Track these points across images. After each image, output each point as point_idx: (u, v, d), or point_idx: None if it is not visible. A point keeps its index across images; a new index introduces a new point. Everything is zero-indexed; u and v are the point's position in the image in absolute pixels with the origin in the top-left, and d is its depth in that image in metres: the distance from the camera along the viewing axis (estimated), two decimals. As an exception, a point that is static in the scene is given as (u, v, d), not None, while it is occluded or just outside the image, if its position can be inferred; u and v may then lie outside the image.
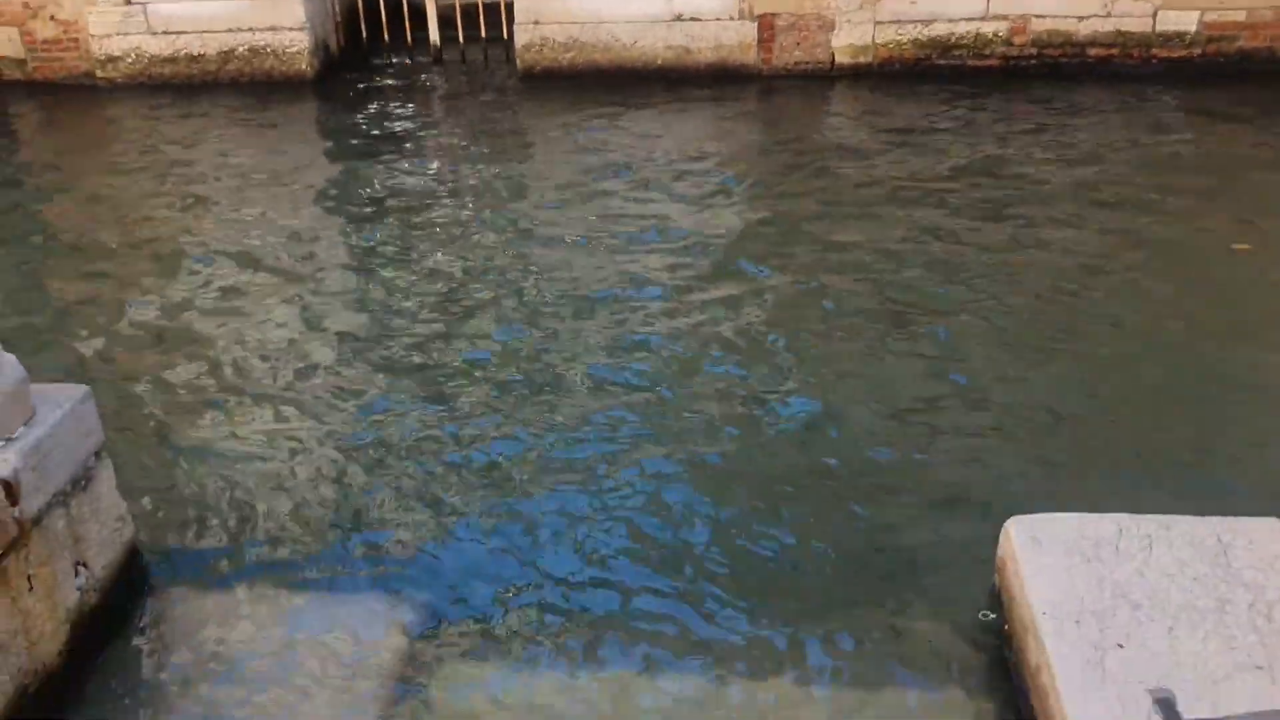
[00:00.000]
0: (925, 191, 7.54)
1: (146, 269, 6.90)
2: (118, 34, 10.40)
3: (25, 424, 3.53)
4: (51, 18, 10.44)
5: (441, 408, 5.29)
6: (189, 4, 10.30)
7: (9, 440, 3.45)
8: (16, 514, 3.37)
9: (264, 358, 5.78)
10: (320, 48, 10.58)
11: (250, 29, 10.31)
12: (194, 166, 8.61)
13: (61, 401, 3.67)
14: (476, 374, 5.57)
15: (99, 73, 10.54)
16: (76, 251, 7.28)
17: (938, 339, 5.71)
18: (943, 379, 5.37)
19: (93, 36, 10.43)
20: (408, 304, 6.32)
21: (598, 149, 8.65)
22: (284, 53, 10.35)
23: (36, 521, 3.48)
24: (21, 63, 10.64)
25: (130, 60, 10.47)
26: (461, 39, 10.96)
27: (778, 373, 5.50)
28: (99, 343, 6.03)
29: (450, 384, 5.50)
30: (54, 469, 3.56)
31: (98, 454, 3.82)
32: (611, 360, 5.66)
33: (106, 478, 3.88)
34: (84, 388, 3.79)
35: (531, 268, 6.70)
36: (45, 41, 10.55)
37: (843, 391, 5.31)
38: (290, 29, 10.29)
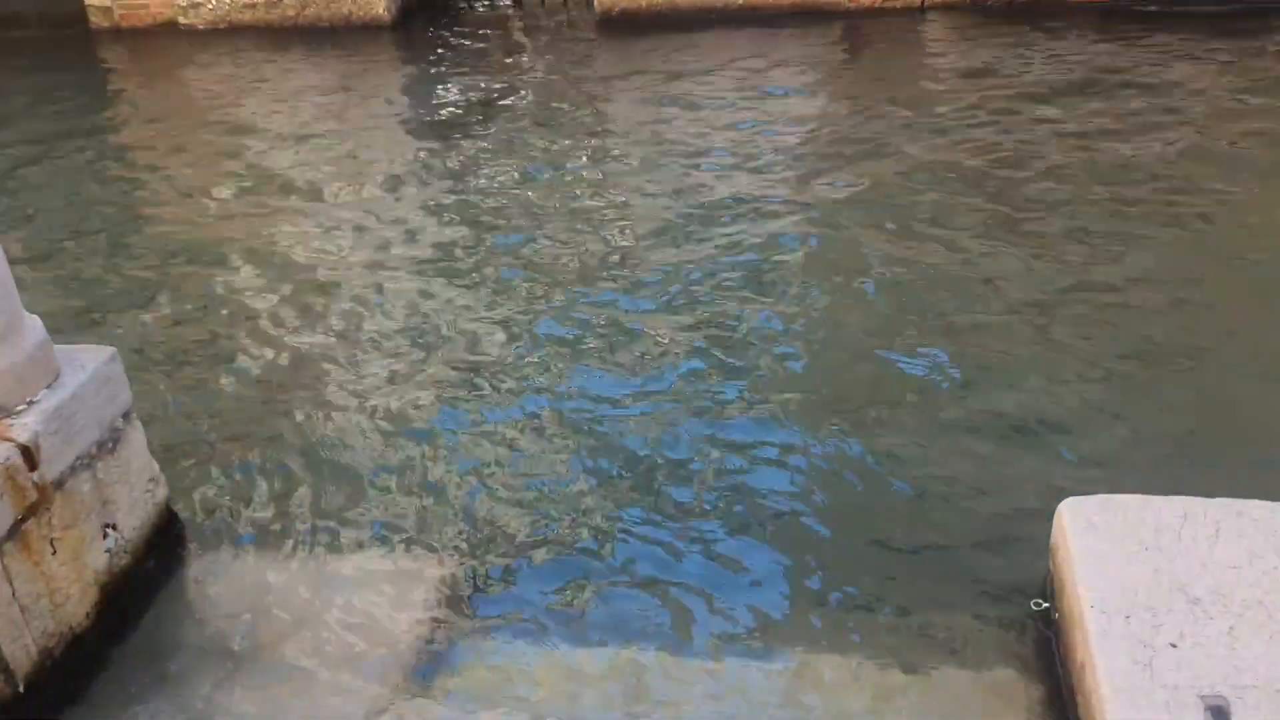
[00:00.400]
0: (1019, 138, 7.13)
1: (220, 212, 6.94)
2: (199, -20, 10.44)
3: (48, 387, 3.49)
4: (135, -35, 10.52)
5: (498, 365, 5.17)
6: (268, -52, 10.29)
7: (31, 404, 3.42)
8: (36, 479, 3.34)
9: (322, 310, 5.73)
10: (398, -10, 10.48)
11: (328, -27, 10.26)
12: (271, 110, 8.62)
13: (86, 363, 3.63)
14: (542, 327, 5.44)
15: (181, 19, 10.60)
16: (154, 195, 7.37)
17: (1021, 294, 5.41)
18: (1030, 332, 5.10)
19: (175, -17, 10.48)
20: (474, 256, 6.21)
21: (676, 91, 8.41)
22: (362, -3, 10.28)
23: (59, 485, 3.45)
24: (108, 10, 10.75)
25: (211, 6, 10.50)
26: (541, -20, 10.78)
27: (853, 318, 5.30)
28: (163, 286, 6.06)
29: (513, 338, 5.36)
30: (78, 432, 3.53)
31: (126, 415, 3.78)
32: (682, 306, 5.49)
33: (136, 439, 3.84)
34: (110, 349, 3.74)
35: (606, 219, 6.53)
36: (131, -12, 10.66)
37: (908, 339, 5.09)
38: (367, -28, 10.21)
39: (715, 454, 4.49)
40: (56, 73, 9.98)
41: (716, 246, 6.03)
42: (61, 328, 5.50)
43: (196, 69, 9.91)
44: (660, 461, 4.48)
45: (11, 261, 5.92)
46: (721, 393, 4.85)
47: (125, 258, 6.43)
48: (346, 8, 10.32)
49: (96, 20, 10.82)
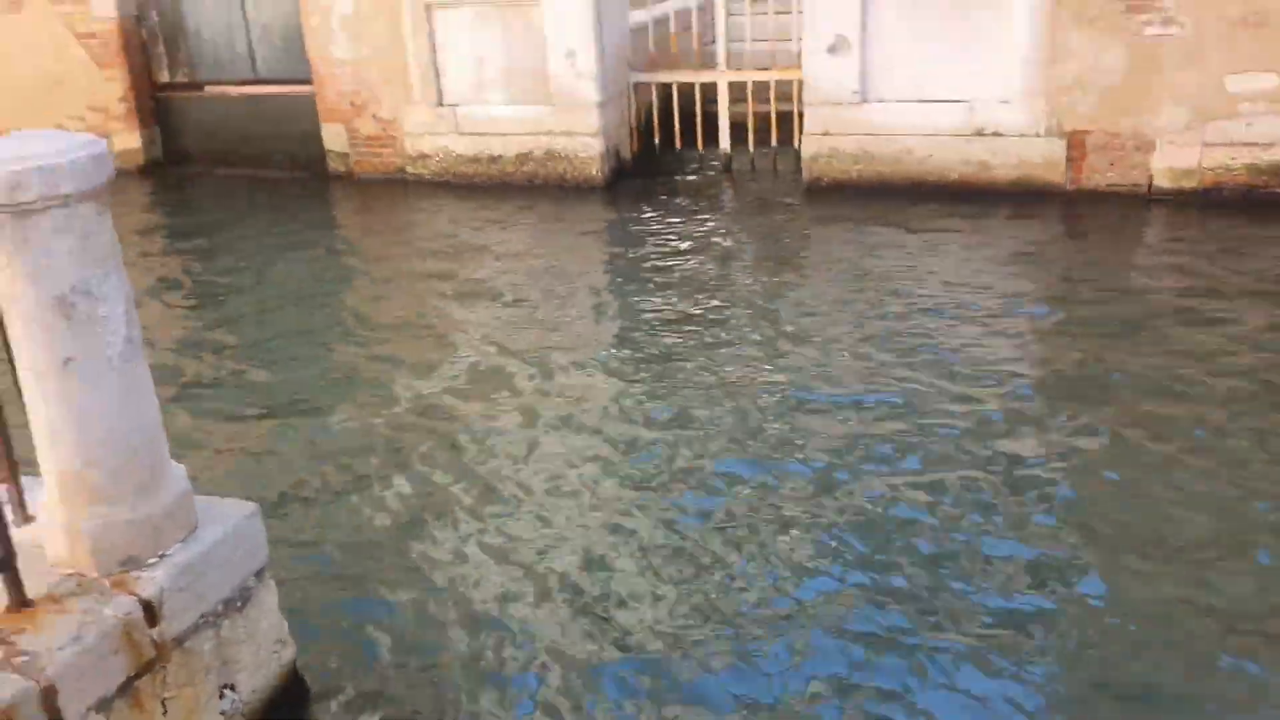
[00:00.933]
0: (1264, 354, 6.42)
1: (417, 354, 7.11)
2: (429, 133, 10.99)
3: (183, 540, 3.48)
4: (374, 116, 11.19)
5: (674, 551, 4.86)
6: (496, 107, 10.76)
7: (162, 557, 3.41)
8: (155, 635, 3.31)
9: (501, 468, 5.60)
10: (612, 154, 10.74)
11: (548, 133, 10.61)
12: (492, 262, 8.89)
13: (225, 518, 3.61)
14: (712, 512, 5.14)
15: (409, 169, 11.17)
16: (358, 328, 7.69)
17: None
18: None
19: (407, 135, 11.07)
20: (664, 419, 6.04)
21: (879, 268, 8.19)
22: (576, 158, 10.57)
23: (179, 643, 3.41)
24: (345, 157, 11.47)
25: (438, 159, 11.03)
26: (752, 147, 10.85)
27: (1060, 554, 4.71)
28: (339, 428, 6.15)
29: (683, 522, 5.08)
30: (206, 589, 3.49)
31: (259, 574, 3.73)
32: (853, 509, 5.11)
33: (267, 599, 3.79)
34: (252, 505, 3.73)
35: (790, 393, 6.27)
36: (368, 138, 11.34)
37: (1135, 598, 4.45)
38: (585, 135, 10.50)
39: (856, 698, 4.10)
40: (295, 214, 10.68)
41: (909, 460, 5.54)
42: (236, 471, 5.68)
43: (419, 217, 10.42)
44: (801, 689, 4.11)
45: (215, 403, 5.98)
46: (876, 620, 4.43)
47: (312, 405, 6.57)
48: (561, 168, 10.64)
49: (334, 166, 11.55)
